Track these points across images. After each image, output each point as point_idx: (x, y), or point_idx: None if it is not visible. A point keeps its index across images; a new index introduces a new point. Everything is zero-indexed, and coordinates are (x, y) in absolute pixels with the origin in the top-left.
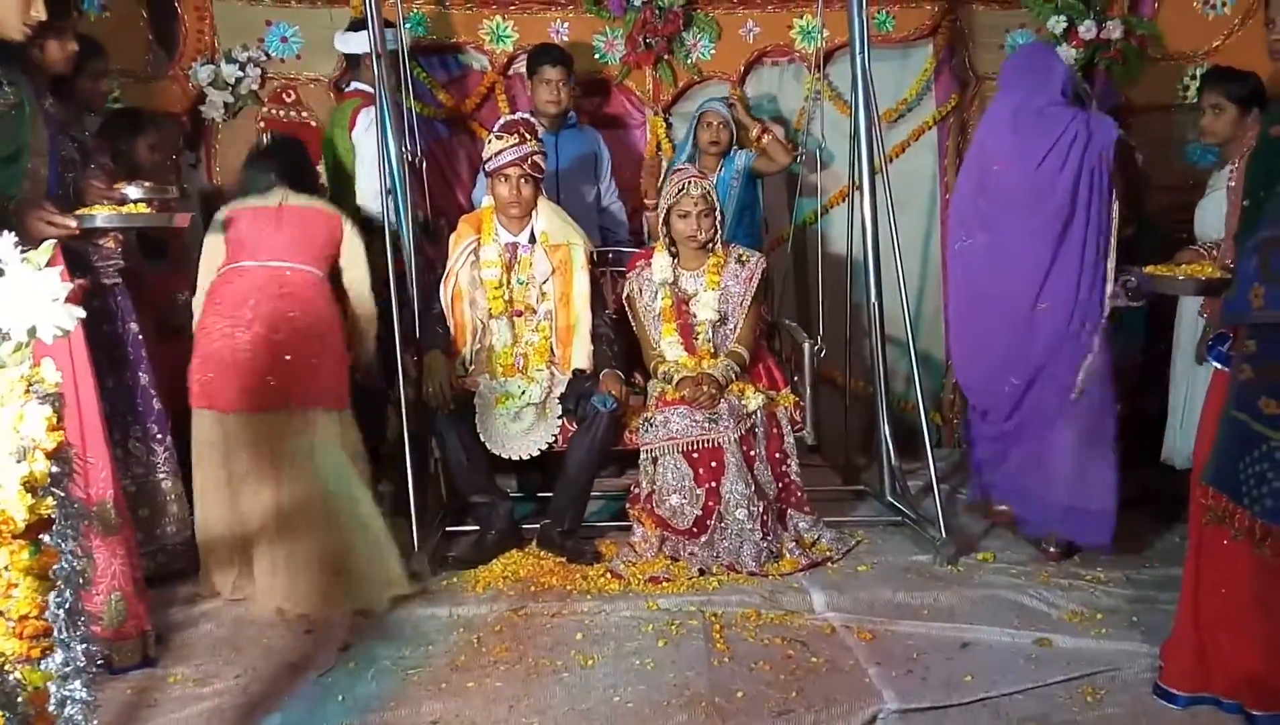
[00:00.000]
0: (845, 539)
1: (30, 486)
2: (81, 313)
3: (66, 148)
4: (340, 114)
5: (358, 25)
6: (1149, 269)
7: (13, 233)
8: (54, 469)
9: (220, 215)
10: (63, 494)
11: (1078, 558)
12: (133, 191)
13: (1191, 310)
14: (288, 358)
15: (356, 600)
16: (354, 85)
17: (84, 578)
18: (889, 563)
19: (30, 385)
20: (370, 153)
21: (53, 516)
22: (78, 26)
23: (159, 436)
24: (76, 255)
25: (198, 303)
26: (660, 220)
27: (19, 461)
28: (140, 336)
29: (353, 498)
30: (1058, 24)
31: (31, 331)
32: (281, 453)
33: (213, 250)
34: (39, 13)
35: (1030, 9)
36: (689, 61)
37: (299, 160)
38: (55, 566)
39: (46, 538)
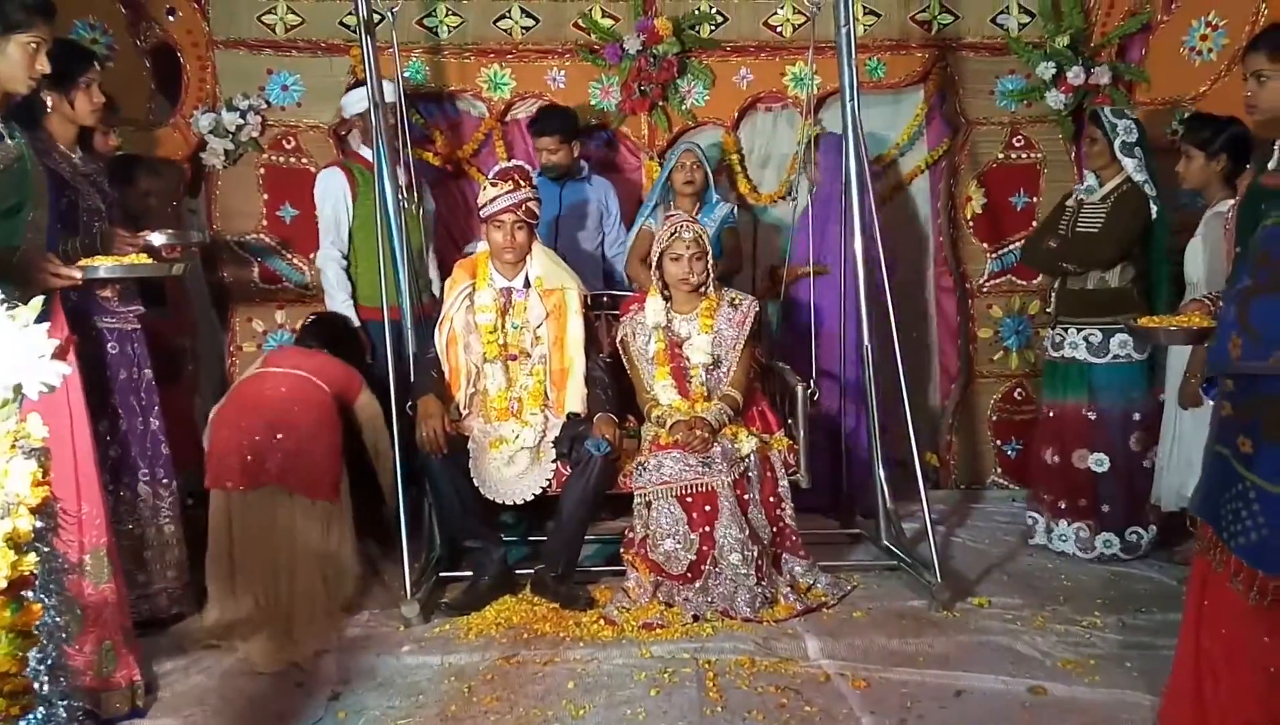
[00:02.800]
0: (840, 584)
1: (13, 543)
2: (68, 368)
3: (92, 197)
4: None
5: (358, 85)
6: (1142, 320)
7: (17, 283)
8: (38, 524)
9: (266, 352)
10: (47, 549)
11: (1072, 604)
12: (156, 238)
13: (1180, 359)
14: (284, 443)
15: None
16: (361, 150)
17: (67, 633)
18: (884, 608)
19: (16, 440)
20: (327, 213)
21: (35, 573)
22: (101, 80)
23: (165, 481)
24: (96, 301)
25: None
26: (654, 264)
27: (2, 517)
28: (154, 383)
29: (316, 570)
30: (1046, 70)
31: (18, 389)
32: (271, 527)
33: (248, 366)
34: (43, 67)
35: (1019, 55)
36: (683, 107)
37: (343, 335)
38: (37, 623)
39: (30, 594)
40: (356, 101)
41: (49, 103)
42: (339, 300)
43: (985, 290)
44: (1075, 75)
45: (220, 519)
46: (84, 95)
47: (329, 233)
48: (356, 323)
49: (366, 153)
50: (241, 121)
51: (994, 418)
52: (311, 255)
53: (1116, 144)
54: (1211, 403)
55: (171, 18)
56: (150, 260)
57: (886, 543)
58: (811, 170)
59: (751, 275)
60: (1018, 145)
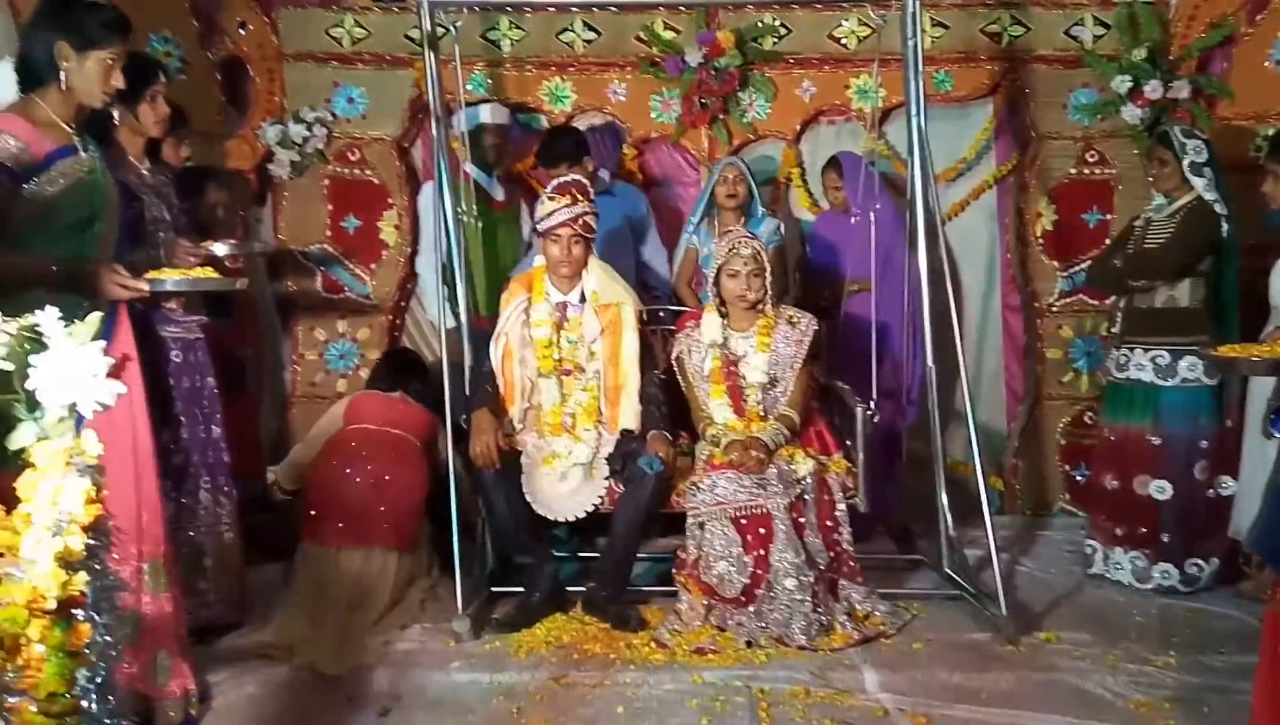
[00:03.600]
0: (900, 613)
1: (64, 562)
2: (124, 388)
3: (158, 208)
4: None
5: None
6: (1222, 349)
7: (86, 294)
8: (90, 542)
9: (347, 399)
10: (99, 567)
11: (1144, 641)
12: (219, 248)
13: (1263, 388)
14: (383, 508)
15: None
16: (466, 166)
17: (117, 651)
18: (946, 640)
19: (71, 458)
20: (428, 224)
21: (86, 592)
22: (167, 92)
23: (226, 489)
24: (161, 311)
25: (303, 452)
26: (710, 280)
27: (54, 535)
28: (216, 391)
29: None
30: (1122, 84)
31: (71, 407)
32: (355, 576)
33: (332, 420)
34: (118, 81)
35: (1094, 68)
36: (744, 121)
37: (417, 371)
38: (87, 642)
39: (80, 613)
40: (472, 119)
41: (116, 115)
42: (434, 305)
43: (1055, 309)
44: (1153, 89)
45: (312, 571)
46: (149, 107)
47: (428, 242)
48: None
49: (469, 169)
50: (308, 134)
51: (1062, 441)
52: (373, 265)
53: (1185, 164)
54: (1277, 435)
55: (243, 31)
56: (215, 274)
57: (948, 570)
58: (833, 194)
59: (803, 288)
60: (1091, 160)
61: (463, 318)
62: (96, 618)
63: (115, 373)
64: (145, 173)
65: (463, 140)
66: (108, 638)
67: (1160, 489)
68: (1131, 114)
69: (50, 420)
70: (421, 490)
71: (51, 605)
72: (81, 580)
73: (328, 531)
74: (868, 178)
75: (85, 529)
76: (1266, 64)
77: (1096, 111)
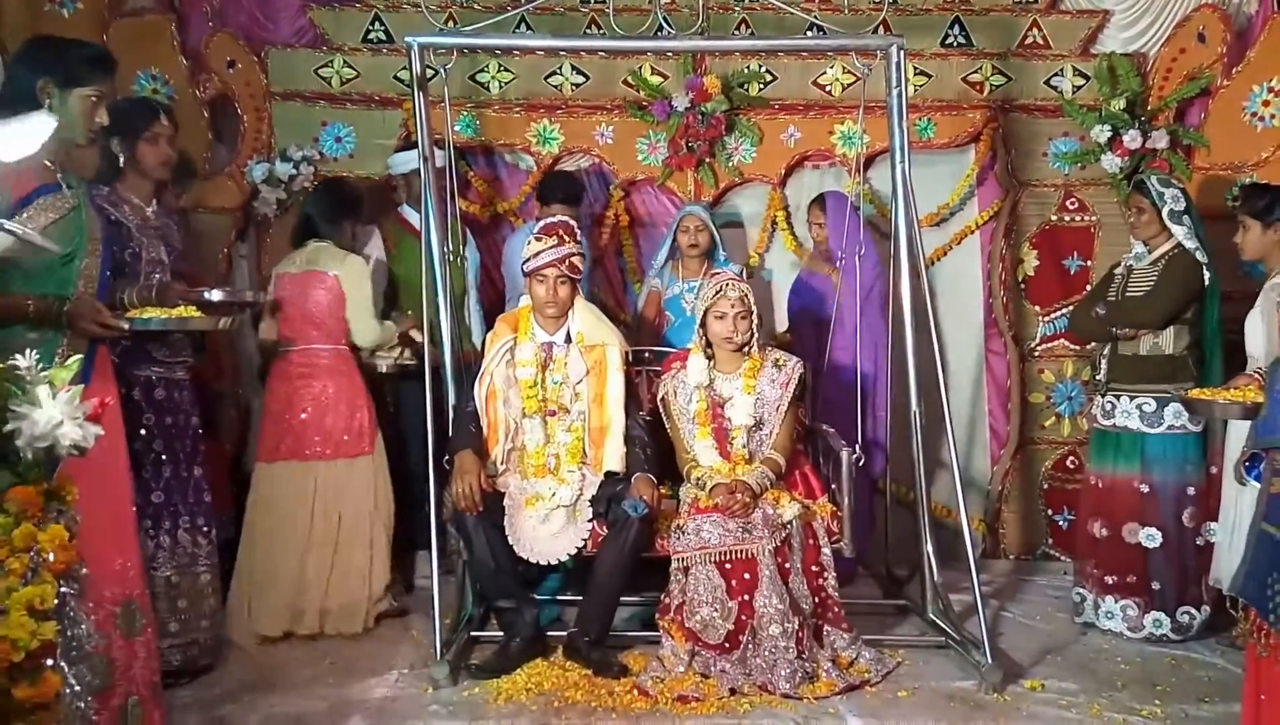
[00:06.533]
0: (885, 660)
1: (35, 611)
2: (101, 431)
3: (155, 249)
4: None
5: (407, 146)
6: (1193, 392)
7: (66, 332)
8: (63, 589)
9: (272, 281)
10: (71, 615)
11: (1130, 690)
12: (214, 294)
13: (1239, 434)
14: (315, 419)
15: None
16: (403, 209)
17: (85, 703)
18: (931, 688)
19: (47, 503)
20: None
21: (57, 642)
22: (173, 135)
23: (204, 529)
24: (146, 350)
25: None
26: (697, 322)
27: (25, 583)
28: (200, 431)
29: (359, 534)
30: (1101, 133)
31: (49, 450)
32: (310, 495)
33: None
34: (103, 119)
35: (1073, 118)
36: (730, 164)
37: (327, 204)
38: (55, 694)
39: (50, 661)
40: (403, 162)
41: (121, 157)
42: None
43: (1036, 354)
44: (1131, 139)
45: (260, 495)
46: (149, 147)
47: None
48: None
49: (406, 211)
50: (294, 172)
51: (1045, 486)
52: None
53: (1165, 212)
54: (1254, 484)
55: (231, 70)
56: (199, 313)
57: (933, 616)
58: (817, 231)
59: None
60: (1071, 207)
61: (447, 357)
62: (66, 668)
63: (94, 416)
64: (150, 215)
65: (399, 181)
66: (77, 687)
67: (1150, 537)
68: (1111, 163)
69: (26, 464)
70: (349, 391)
71: (20, 657)
72: (52, 629)
73: (276, 447)
74: (852, 219)
75: (58, 575)
76: (1242, 115)
77: (1076, 160)
